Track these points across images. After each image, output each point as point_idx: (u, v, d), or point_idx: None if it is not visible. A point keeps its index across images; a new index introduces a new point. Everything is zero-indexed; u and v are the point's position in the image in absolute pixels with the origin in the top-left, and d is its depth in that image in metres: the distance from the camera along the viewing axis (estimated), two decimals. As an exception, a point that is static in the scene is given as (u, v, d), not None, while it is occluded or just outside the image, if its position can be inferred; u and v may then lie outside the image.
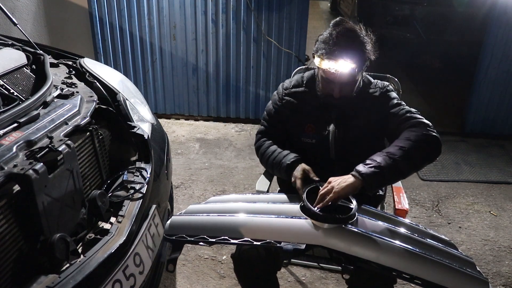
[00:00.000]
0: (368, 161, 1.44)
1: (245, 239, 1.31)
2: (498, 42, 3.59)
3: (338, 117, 1.64)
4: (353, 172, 1.42)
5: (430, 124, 1.54)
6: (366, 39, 1.53)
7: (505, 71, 3.67)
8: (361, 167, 1.42)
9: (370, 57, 1.54)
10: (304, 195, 1.42)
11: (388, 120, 1.62)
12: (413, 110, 1.60)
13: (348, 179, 1.40)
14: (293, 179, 1.55)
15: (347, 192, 1.38)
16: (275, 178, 1.85)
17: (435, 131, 1.51)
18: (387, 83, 1.72)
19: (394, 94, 1.68)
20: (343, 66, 1.48)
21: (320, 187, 1.43)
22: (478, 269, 1.31)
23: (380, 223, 1.41)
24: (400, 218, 1.53)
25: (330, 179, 1.42)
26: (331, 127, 1.64)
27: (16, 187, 1.12)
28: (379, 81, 1.72)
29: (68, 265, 1.18)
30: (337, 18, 1.59)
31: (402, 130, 1.54)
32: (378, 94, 1.66)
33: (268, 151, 1.70)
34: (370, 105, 1.64)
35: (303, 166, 1.57)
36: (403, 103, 1.64)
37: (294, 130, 1.71)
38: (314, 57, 1.56)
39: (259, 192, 1.77)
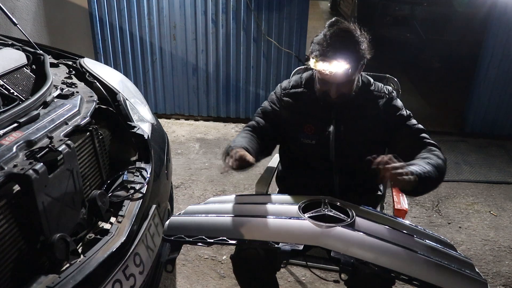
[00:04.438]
0: (427, 167, 1.40)
1: (244, 239, 1.31)
2: (498, 42, 3.59)
3: (338, 118, 1.61)
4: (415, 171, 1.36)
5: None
6: (360, 38, 1.51)
7: (505, 71, 3.67)
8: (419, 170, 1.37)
9: (365, 56, 1.53)
10: (300, 208, 1.41)
11: (394, 130, 1.60)
12: (422, 127, 1.61)
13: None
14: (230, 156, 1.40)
15: (406, 187, 1.33)
16: (274, 178, 1.85)
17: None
18: (390, 88, 1.69)
19: (400, 103, 1.65)
20: (336, 67, 1.47)
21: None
22: (477, 270, 1.31)
23: (378, 224, 1.41)
24: (398, 219, 1.53)
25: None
26: (331, 127, 1.61)
27: (16, 187, 1.13)
28: (381, 84, 1.68)
29: (68, 265, 1.18)
30: (333, 19, 1.57)
31: (416, 147, 1.55)
32: (384, 101, 1.63)
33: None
34: (373, 109, 1.61)
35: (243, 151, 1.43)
36: (411, 114, 1.63)
37: (292, 131, 1.67)
38: (309, 58, 1.55)
39: (258, 192, 1.77)
